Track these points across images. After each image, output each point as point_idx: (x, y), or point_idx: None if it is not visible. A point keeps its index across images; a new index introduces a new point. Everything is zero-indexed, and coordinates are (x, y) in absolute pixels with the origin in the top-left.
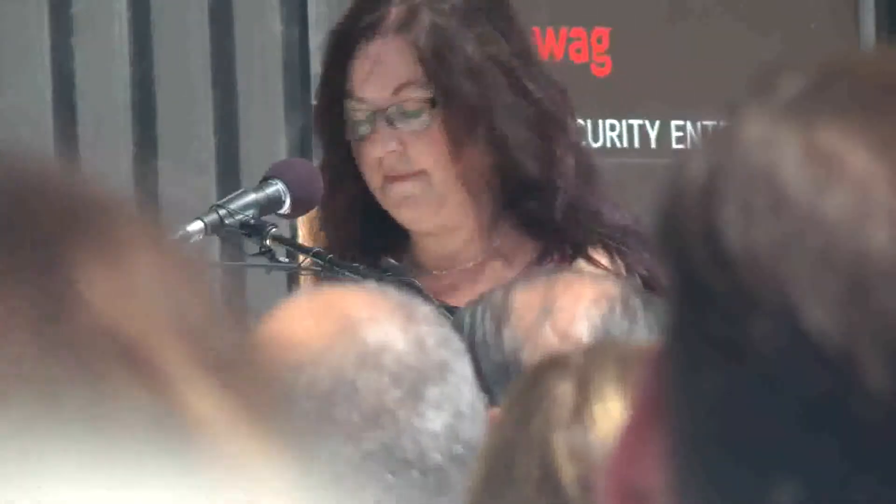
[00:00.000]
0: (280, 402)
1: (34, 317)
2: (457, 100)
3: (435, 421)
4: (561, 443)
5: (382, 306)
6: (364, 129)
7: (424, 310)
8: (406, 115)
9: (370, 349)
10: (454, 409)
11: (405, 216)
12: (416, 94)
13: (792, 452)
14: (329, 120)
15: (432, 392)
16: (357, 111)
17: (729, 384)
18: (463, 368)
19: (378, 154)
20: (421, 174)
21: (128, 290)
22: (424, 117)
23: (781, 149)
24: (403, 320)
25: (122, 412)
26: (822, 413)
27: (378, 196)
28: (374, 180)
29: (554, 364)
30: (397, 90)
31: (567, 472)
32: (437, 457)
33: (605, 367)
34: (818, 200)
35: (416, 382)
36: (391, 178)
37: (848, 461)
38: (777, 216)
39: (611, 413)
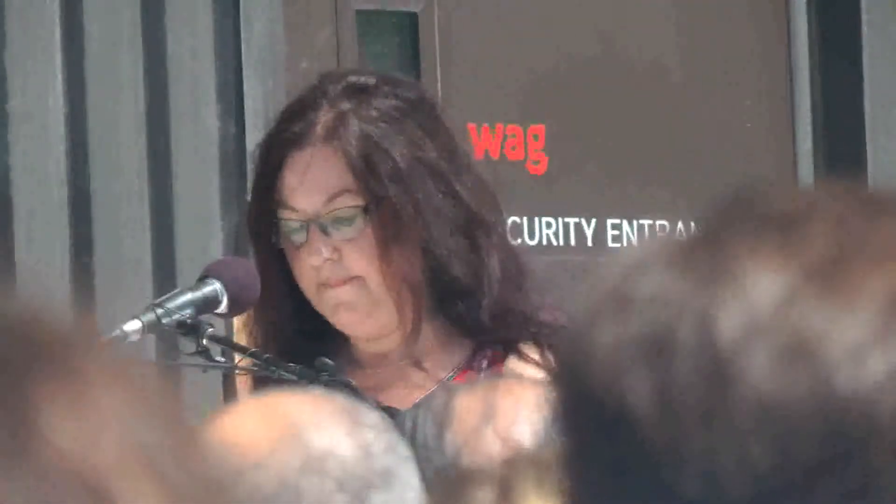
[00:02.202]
0: None
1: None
2: (387, 205)
3: None
4: None
5: (328, 411)
6: (298, 238)
7: (371, 415)
8: (339, 222)
9: (315, 454)
10: None
11: (341, 321)
12: (348, 202)
13: None
14: (261, 227)
15: (377, 499)
16: (290, 220)
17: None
18: (408, 475)
19: (314, 263)
20: (356, 280)
21: (90, 427)
22: (357, 224)
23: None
24: (349, 425)
25: None
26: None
27: (314, 302)
28: (309, 287)
29: (480, 473)
30: (330, 199)
31: None
32: None
33: (526, 475)
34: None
35: (360, 489)
36: (326, 287)
37: None
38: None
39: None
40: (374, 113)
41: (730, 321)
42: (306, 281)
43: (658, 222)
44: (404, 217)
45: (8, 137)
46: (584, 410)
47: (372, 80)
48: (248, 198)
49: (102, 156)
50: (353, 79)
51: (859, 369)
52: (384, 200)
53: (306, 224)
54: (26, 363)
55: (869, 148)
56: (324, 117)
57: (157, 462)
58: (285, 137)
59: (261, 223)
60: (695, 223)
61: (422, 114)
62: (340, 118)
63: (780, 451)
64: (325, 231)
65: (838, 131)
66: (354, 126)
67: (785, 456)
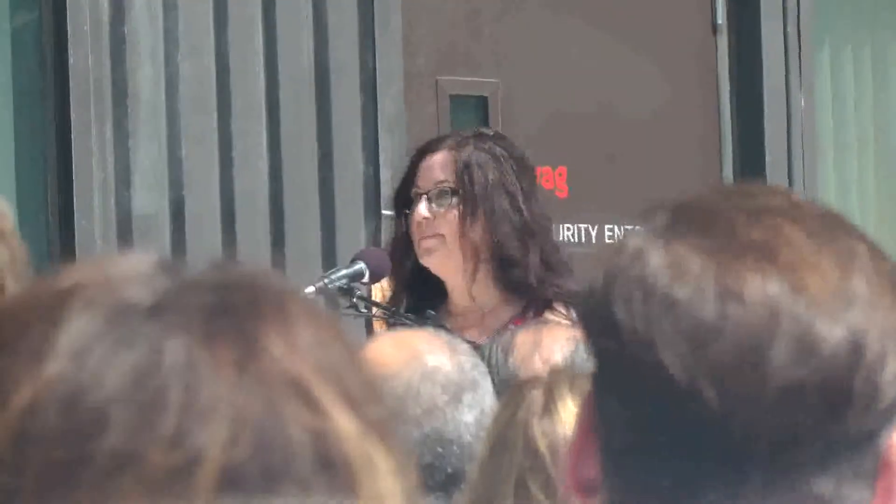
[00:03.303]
0: (388, 417)
1: (235, 363)
2: (471, 196)
3: (468, 416)
4: (536, 424)
5: (437, 342)
6: (415, 203)
7: (463, 346)
8: (440, 195)
9: (428, 369)
10: (480, 409)
11: (425, 261)
12: (447, 187)
13: (664, 450)
14: (400, 201)
15: (467, 398)
16: (414, 192)
17: (623, 409)
18: (487, 384)
19: (418, 218)
20: (440, 236)
21: (295, 347)
22: (449, 202)
23: (650, 258)
24: (450, 351)
25: (291, 427)
26: (683, 424)
27: (416, 250)
28: (415, 238)
29: (531, 380)
30: (438, 183)
31: (540, 443)
32: (469, 438)
33: (562, 382)
34: (671, 289)
35: (457, 391)
36: (422, 236)
37: (698, 454)
38: (646, 302)
39: (565, 409)
40: (484, 147)
41: (752, 324)
42: (415, 234)
43: (637, 227)
44: (480, 208)
45: (232, 175)
46: (592, 326)
47: (491, 132)
48: (384, 212)
49: (293, 186)
50: (481, 129)
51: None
52: (470, 193)
53: (421, 196)
54: (254, 306)
55: (768, 176)
56: (453, 139)
57: (338, 371)
58: (429, 144)
59: (401, 198)
60: (656, 226)
61: (514, 159)
62: (464, 141)
63: (788, 408)
64: (430, 200)
65: (748, 162)
66: (469, 148)
67: (791, 410)
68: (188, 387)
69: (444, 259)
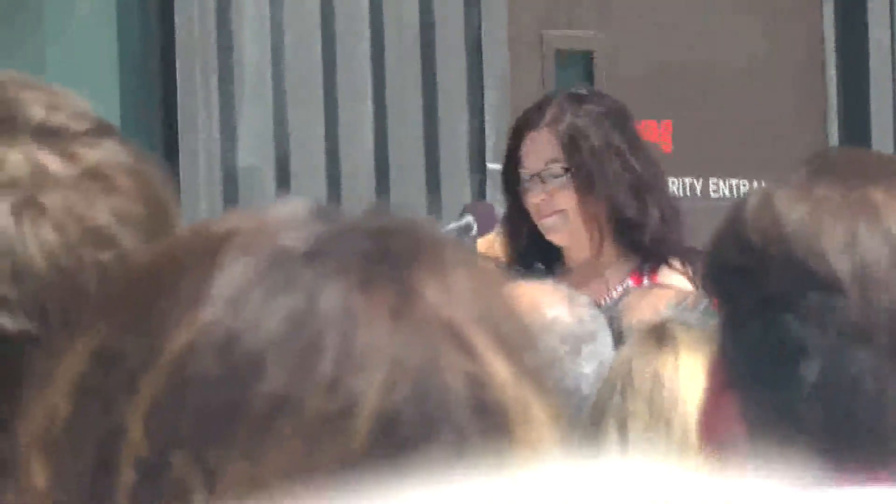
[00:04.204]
0: (543, 365)
1: (392, 309)
2: (583, 169)
3: (586, 367)
4: (639, 365)
5: (556, 294)
6: (527, 185)
7: (582, 298)
8: (552, 176)
9: (548, 320)
10: (598, 361)
11: (551, 237)
12: (558, 165)
13: (807, 346)
14: (509, 178)
15: (586, 350)
16: (524, 174)
17: (758, 322)
18: (605, 336)
19: (534, 201)
20: (561, 212)
21: (451, 293)
22: (562, 179)
23: (779, 194)
24: (569, 303)
25: (448, 373)
26: (824, 320)
27: (539, 225)
28: (535, 216)
29: (640, 325)
30: (547, 162)
31: (644, 382)
32: (587, 390)
33: (670, 327)
34: (801, 212)
35: (575, 343)
36: (542, 216)
37: (844, 347)
38: (776, 223)
39: (670, 351)
40: (582, 112)
41: (883, 240)
42: (533, 213)
43: (741, 181)
44: (594, 178)
45: (337, 132)
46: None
47: (585, 92)
48: (489, 165)
49: (398, 142)
50: (573, 90)
51: None
52: (580, 167)
53: (532, 177)
54: (410, 252)
55: (873, 132)
56: (551, 111)
57: (493, 318)
58: (526, 121)
59: (508, 176)
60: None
61: (615, 116)
62: (560, 112)
63: None
64: (543, 181)
65: (852, 118)
66: (568, 118)
67: None
68: (344, 332)
69: (569, 233)
